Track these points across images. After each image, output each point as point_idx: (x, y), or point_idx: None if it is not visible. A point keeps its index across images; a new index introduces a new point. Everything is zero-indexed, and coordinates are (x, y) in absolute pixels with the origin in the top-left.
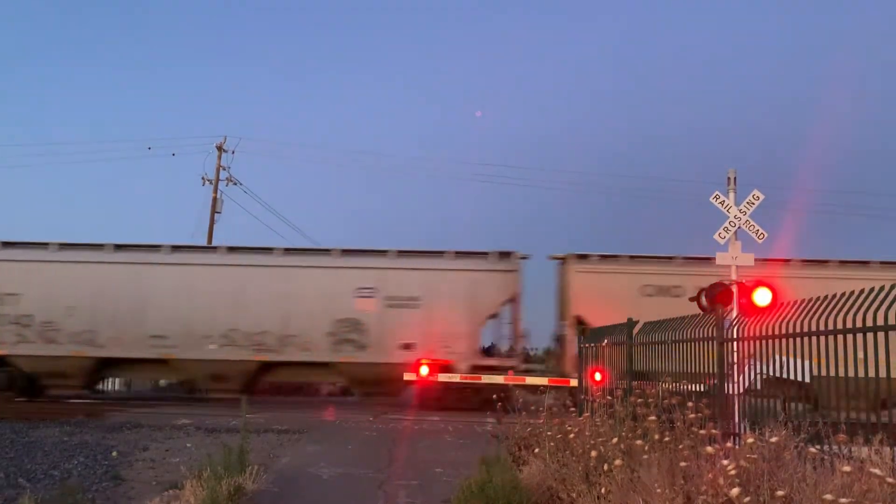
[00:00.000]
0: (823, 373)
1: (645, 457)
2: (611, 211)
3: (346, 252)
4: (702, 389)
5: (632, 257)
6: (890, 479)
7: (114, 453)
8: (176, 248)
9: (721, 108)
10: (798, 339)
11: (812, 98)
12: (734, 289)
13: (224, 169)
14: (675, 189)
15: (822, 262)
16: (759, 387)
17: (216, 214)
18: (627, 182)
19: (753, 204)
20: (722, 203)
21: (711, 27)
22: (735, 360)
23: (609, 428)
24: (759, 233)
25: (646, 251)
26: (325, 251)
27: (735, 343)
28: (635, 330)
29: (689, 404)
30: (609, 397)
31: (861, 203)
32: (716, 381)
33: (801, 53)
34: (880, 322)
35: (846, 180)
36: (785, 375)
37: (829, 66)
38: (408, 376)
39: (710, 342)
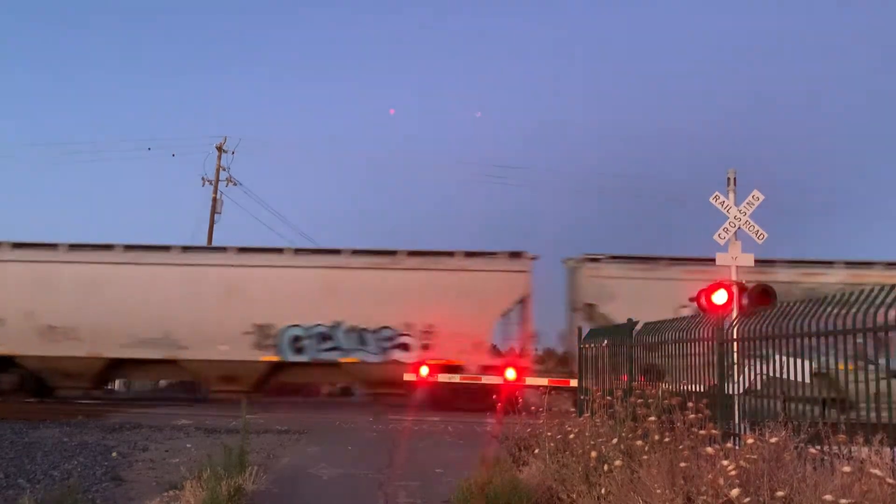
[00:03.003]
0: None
1: (645, 457)
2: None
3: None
4: (702, 390)
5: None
6: (890, 480)
7: (114, 454)
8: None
9: (719, 109)
10: (798, 340)
11: (807, 97)
12: (735, 289)
13: (224, 169)
14: (668, 189)
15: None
16: (758, 387)
17: (216, 215)
18: (627, 182)
19: (753, 204)
20: (722, 203)
21: (707, 27)
22: (735, 360)
23: (609, 428)
24: (759, 233)
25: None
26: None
27: (735, 343)
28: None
29: (689, 404)
30: (609, 398)
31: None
32: (716, 382)
33: (798, 52)
34: (880, 322)
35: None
36: (785, 376)
37: (825, 65)
38: (408, 377)
39: (710, 343)
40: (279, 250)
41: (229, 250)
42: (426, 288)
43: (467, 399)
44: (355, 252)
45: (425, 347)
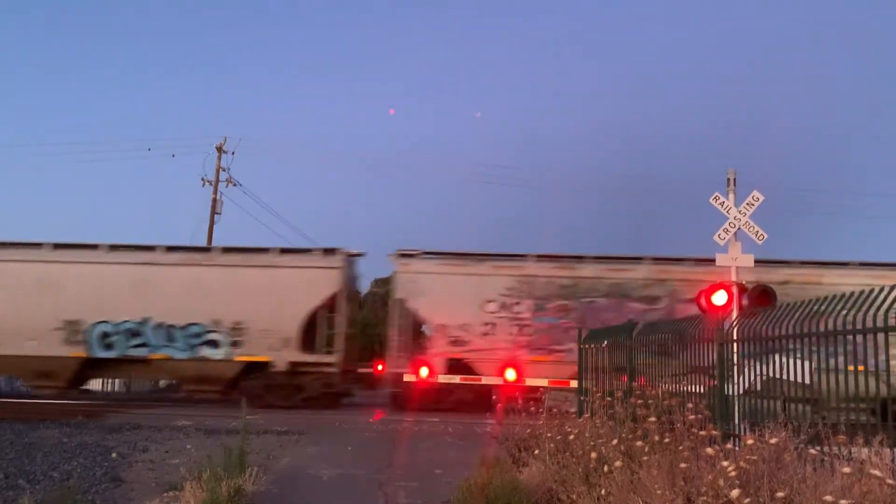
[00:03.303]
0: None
1: (645, 458)
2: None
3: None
4: (701, 390)
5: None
6: (890, 481)
7: (113, 454)
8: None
9: (715, 109)
10: (798, 341)
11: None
12: (734, 290)
13: (224, 170)
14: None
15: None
16: (758, 388)
17: (216, 215)
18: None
19: (753, 205)
20: (722, 204)
21: (701, 27)
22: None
23: (609, 429)
24: (759, 234)
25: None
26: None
27: (735, 344)
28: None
29: (689, 405)
30: (609, 398)
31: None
32: (716, 382)
33: (795, 52)
34: (880, 323)
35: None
36: (784, 376)
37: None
38: (407, 377)
39: (710, 343)
40: (94, 246)
41: (45, 246)
42: (236, 284)
43: (279, 396)
44: (169, 248)
45: (234, 344)
